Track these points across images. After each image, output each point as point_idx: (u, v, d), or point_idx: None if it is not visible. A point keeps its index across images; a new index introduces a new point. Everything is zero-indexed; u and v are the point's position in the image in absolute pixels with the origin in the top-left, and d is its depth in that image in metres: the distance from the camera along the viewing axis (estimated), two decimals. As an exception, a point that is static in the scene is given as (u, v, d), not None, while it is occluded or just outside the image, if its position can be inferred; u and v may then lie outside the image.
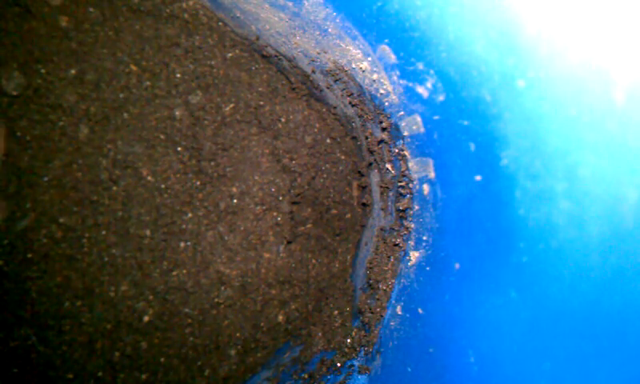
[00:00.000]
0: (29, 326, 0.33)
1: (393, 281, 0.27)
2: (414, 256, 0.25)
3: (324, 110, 0.32)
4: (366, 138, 0.28)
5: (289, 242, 0.34)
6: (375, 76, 0.24)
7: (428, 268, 0.24)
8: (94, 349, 0.33)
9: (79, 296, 0.33)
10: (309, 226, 0.34)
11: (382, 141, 0.26)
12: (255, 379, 0.32)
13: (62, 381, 0.32)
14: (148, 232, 0.33)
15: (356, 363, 0.28)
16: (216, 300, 0.33)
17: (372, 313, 0.27)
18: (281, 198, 0.34)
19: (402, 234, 0.26)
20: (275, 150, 0.33)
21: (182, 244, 0.33)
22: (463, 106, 0.20)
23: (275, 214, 0.34)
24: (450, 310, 0.22)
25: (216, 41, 0.32)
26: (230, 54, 0.32)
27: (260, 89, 0.33)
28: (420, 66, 0.21)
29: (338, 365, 0.28)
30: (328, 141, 0.33)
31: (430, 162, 0.23)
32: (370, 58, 0.24)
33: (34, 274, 0.32)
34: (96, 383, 0.33)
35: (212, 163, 0.33)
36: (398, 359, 0.25)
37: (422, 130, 0.23)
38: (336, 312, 0.31)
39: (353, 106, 0.28)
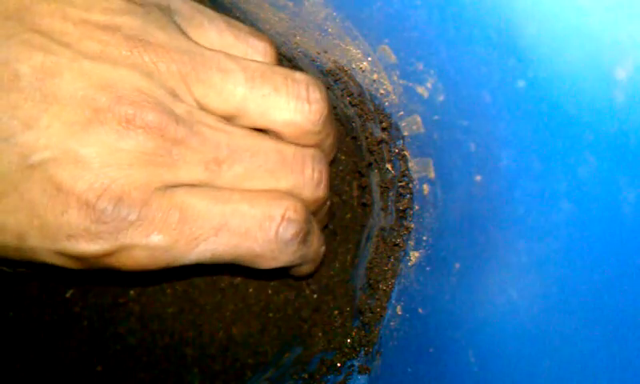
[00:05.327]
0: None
1: (393, 281, 0.27)
2: (414, 256, 0.25)
3: (324, 110, 0.32)
4: (366, 138, 0.28)
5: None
6: (375, 76, 0.24)
7: (428, 268, 0.24)
8: (93, 343, 0.33)
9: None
10: None
11: (382, 141, 0.26)
12: (255, 379, 0.32)
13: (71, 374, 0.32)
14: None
15: (356, 363, 0.28)
16: (216, 299, 0.33)
17: (372, 313, 0.27)
18: None
19: (401, 233, 0.26)
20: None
21: None
22: (463, 106, 0.20)
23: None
24: (449, 310, 0.22)
25: (216, 41, 0.32)
26: (230, 54, 0.32)
27: (260, 89, 0.33)
28: (420, 66, 0.21)
29: (338, 365, 0.28)
30: (328, 141, 0.33)
31: (430, 161, 0.23)
32: (370, 58, 0.24)
33: None
34: (94, 377, 0.33)
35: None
36: (398, 359, 0.25)
37: (422, 130, 0.23)
38: (336, 312, 0.31)
39: (353, 105, 0.28)
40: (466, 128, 0.20)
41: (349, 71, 0.26)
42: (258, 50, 0.26)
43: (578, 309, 0.17)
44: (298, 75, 0.25)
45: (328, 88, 0.29)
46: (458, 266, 0.22)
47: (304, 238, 0.25)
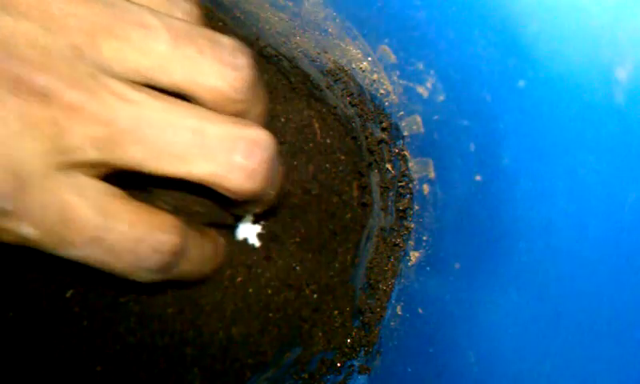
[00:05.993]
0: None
1: (393, 281, 0.27)
2: (414, 256, 0.25)
3: (324, 110, 0.32)
4: (366, 137, 0.28)
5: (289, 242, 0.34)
6: (375, 76, 0.24)
7: (428, 268, 0.24)
8: (92, 343, 0.33)
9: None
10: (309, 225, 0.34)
11: (381, 141, 0.26)
12: (255, 379, 0.32)
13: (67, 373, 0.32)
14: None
15: (356, 363, 0.28)
16: (216, 299, 0.33)
17: (372, 313, 0.27)
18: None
19: (401, 234, 0.26)
20: (275, 150, 0.33)
21: None
22: (463, 106, 0.20)
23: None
24: (449, 310, 0.22)
25: (216, 41, 0.32)
26: (230, 54, 0.32)
27: (260, 89, 0.33)
28: (420, 66, 0.21)
29: (338, 365, 0.28)
30: (328, 141, 0.33)
31: (430, 162, 0.23)
32: (370, 58, 0.24)
33: None
34: (94, 377, 0.33)
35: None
36: (398, 359, 0.25)
37: (422, 130, 0.23)
38: (336, 312, 0.31)
39: (353, 105, 0.28)
40: (466, 128, 0.20)
41: (349, 71, 0.26)
42: (183, 11, 0.24)
43: (578, 309, 0.17)
44: (224, 39, 0.23)
45: (328, 88, 0.29)
46: (457, 266, 0.22)
47: (166, 269, 0.24)
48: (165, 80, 0.22)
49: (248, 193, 0.23)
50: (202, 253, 0.27)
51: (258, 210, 0.29)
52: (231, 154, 0.22)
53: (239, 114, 0.24)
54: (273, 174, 0.24)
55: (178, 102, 0.22)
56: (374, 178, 0.30)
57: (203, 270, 0.29)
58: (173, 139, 0.21)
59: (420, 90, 0.22)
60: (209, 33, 0.23)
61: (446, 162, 0.22)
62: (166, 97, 0.22)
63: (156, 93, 0.22)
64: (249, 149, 0.22)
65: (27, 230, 0.20)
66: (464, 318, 0.21)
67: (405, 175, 0.25)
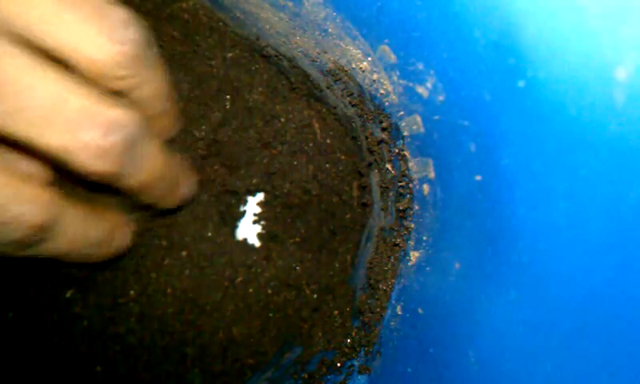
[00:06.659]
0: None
1: (393, 281, 0.27)
2: (414, 256, 0.25)
3: (324, 110, 0.32)
4: (366, 138, 0.28)
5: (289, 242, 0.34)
6: (375, 76, 0.24)
7: (428, 268, 0.24)
8: (92, 343, 0.33)
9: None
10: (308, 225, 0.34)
11: (381, 141, 0.26)
12: (255, 379, 0.32)
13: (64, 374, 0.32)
14: (148, 232, 0.33)
15: (356, 363, 0.28)
16: (216, 299, 0.33)
17: (372, 313, 0.27)
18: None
19: (402, 233, 0.26)
20: (275, 150, 0.33)
21: (184, 252, 0.33)
22: (463, 106, 0.20)
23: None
24: (450, 309, 0.22)
25: (216, 41, 0.32)
26: (230, 54, 0.32)
27: (260, 89, 0.33)
28: (420, 66, 0.21)
29: (338, 365, 0.28)
30: (328, 141, 0.33)
31: (430, 161, 0.23)
32: (370, 58, 0.24)
33: None
34: (94, 377, 0.33)
35: (212, 163, 0.33)
36: (398, 359, 0.25)
37: (422, 130, 0.23)
38: (336, 312, 0.31)
39: (353, 105, 0.28)
40: (466, 128, 0.20)
41: (349, 71, 0.26)
42: None
43: (578, 308, 0.17)
44: (114, 10, 0.21)
45: (328, 88, 0.29)
46: (457, 265, 0.22)
47: (29, 244, 0.23)
48: (42, 41, 0.21)
49: (98, 173, 0.22)
50: (83, 234, 0.25)
51: (156, 204, 0.27)
52: (86, 130, 0.21)
53: (122, 92, 0.23)
54: (128, 157, 0.23)
55: (46, 65, 0.21)
56: (374, 177, 0.30)
57: (90, 253, 0.26)
58: (30, 102, 0.20)
59: (420, 90, 0.22)
60: (99, 1, 0.21)
61: (446, 161, 0.22)
62: (34, 57, 0.21)
63: (25, 50, 0.20)
64: (104, 128, 0.21)
65: None
66: (464, 317, 0.21)
67: (405, 175, 0.25)
